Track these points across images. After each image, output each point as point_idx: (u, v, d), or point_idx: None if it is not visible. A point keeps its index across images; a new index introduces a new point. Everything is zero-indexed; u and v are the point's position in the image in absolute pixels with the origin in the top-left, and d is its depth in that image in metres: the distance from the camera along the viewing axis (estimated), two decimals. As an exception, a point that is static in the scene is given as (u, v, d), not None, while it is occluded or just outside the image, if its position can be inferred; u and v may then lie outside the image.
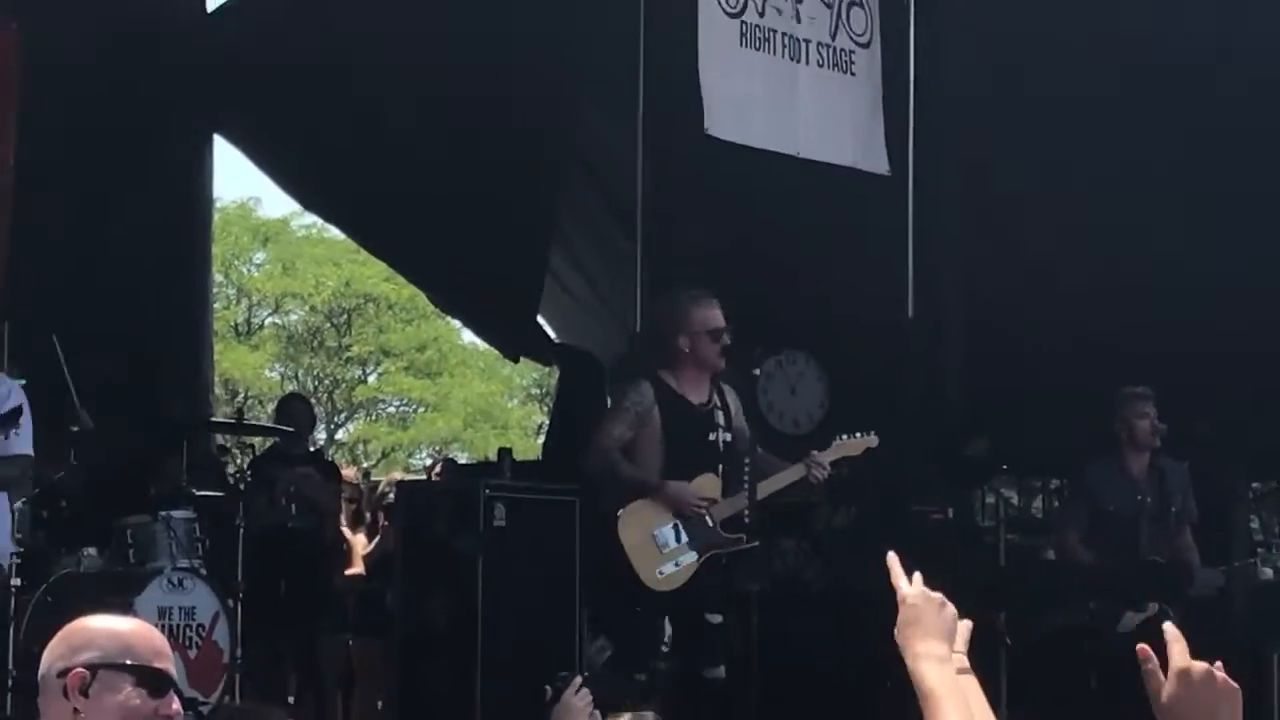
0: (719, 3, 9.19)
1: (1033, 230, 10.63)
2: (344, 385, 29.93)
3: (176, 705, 3.43)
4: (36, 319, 10.13)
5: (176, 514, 8.35)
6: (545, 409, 24.24)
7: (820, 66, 9.66)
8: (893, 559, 3.02)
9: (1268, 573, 9.54)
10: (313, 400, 17.09)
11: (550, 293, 12.01)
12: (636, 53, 9.84)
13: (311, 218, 23.84)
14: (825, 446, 8.11)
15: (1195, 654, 2.64)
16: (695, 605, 7.85)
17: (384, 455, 28.87)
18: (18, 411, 7.17)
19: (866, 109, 9.84)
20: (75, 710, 3.32)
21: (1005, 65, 10.42)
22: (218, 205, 16.81)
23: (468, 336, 25.31)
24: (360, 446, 29.45)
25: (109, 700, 3.34)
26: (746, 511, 7.85)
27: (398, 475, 15.60)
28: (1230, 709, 2.53)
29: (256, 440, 10.77)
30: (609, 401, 10.97)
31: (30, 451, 7.34)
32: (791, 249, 10.35)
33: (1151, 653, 2.52)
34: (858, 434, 8.12)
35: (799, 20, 9.56)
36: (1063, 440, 10.01)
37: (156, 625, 6.83)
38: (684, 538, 7.82)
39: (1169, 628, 2.60)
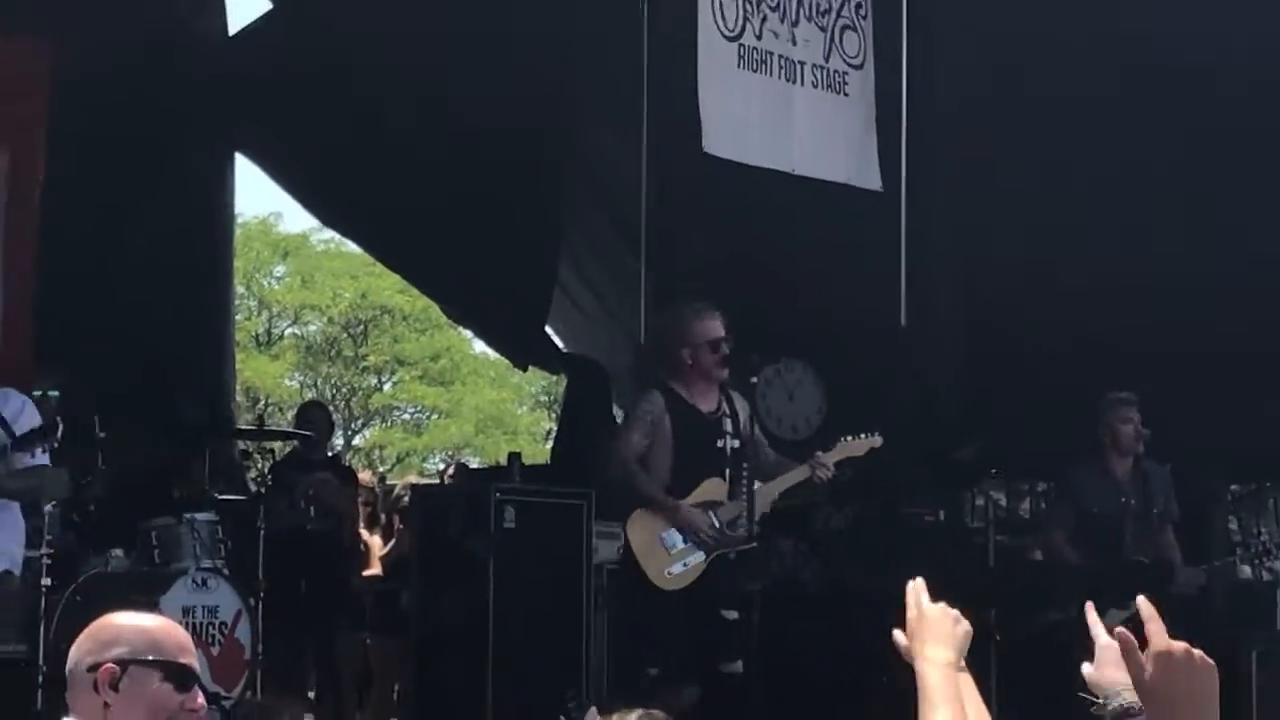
0: (718, 27, 9.20)
1: (1020, 240, 10.61)
2: (360, 393, 29.92)
3: (201, 700, 3.42)
4: (66, 329, 10.16)
5: (200, 517, 8.37)
6: (553, 415, 24.21)
7: (814, 87, 9.66)
8: (916, 587, 3.06)
9: (1246, 571, 9.54)
10: (331, 407, 17.07)
11: (558, 304, 12.02)
12: (641, 77, 9.86)
13: (330, 233, 23.86)
14: (829, 448, 8.12)
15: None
16: (709, 603, 7.85)
17: (399, 460, 28.86)
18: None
19: (860, 127, 9.85)
20: (105, 704, 3.31)
21: (1003, 65, 10.33)
22: (239, 220, 16.81)
23: (479, 346, 25.34)
24: (376, 452, 29.45)
25: (138, 695, 3.33)
26: (743, 514, 7.86)
27: (412, 479, 15.60)
28: (1208, 685, 2.53)
29: (277, 445, 10.77)
30: (615, 409, 11.01)
31: (48, 462, 7.32)
32: (789, 262, 10.35)
33: (1132, 637, 2.53)
34: (862, 435, 8.11)
35: (794, 43, 9.57)
36: (1049, 444, 10.00)
37: (181, 623, 6.84)
38: (691, 539, 7.84)
39: (1143, 604, 2.61)
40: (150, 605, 7.44)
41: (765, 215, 10.01)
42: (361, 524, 10.98)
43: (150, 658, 3.36)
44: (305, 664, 10.27)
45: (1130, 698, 2.82)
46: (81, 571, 8.11)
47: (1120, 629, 2.56)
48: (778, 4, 9.55)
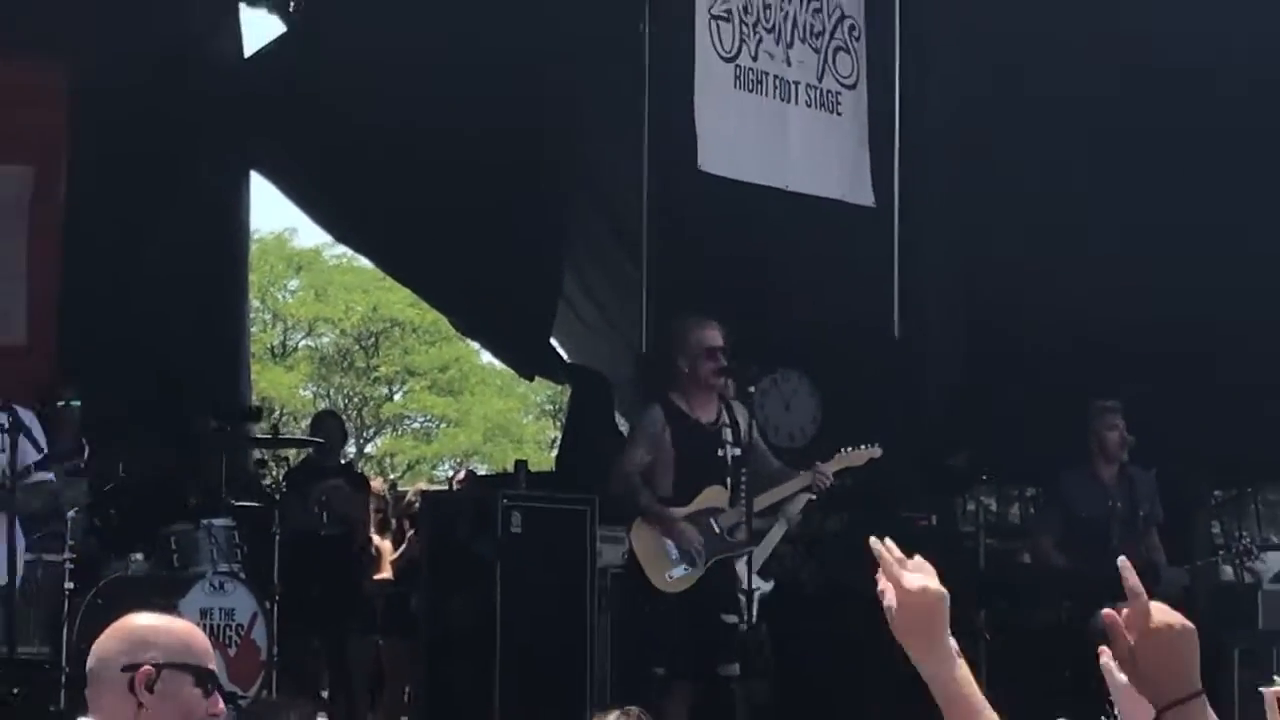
0: (715, 48, 9.20)
1: (1008, 253, 10.59)
2: (372, 403, 29.92)
3: (221, 705, 3.42)
4: (87, 341, 10.16)
5: (217, 522, 8.37)
6: (558, 424, 24.18)
7: (808, 106, 9.66)
8: (883, 548, 2.86)
9: (1228, 572, 9.54)
10: (343, 417, 17.04)
11: (563, 317, 12.02)
12: (642, 95, 9.87)
13: (342, 248, 23.85)
14: (829, 458, 8.11)
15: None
16: (709, 606, 7.84)
17: (409, 467, 28.84)
18: (70, 449, 7.15)
19: (852, 145, 9.85)
20: (140, 705, 3.30)
21: (994, 75, 10.27)
22: (255, 236, 16.84)
23: (486, 357, 25.33)
24: (387, 459, 29.43)
25: (171, 698, 3.32)
26: (743, 520, 7.86)
27: (422, 486, 15.57)
28: (1190, 647, 2.52)
29: (291, 453, 10.77)
30: (617, 418, 11.01)
31: (50, 476, 7.30)
32: (786, 274, 10.34)
33: (1117, 617, 2.52)
34: (862, 446, 8.10)
35: (789, 64, 9.57)
36: (1037, 451, 10.00)
37: (199, 625, 6.83)
38: (685, 552, 7.86)
39: (1123, 563, 2.61)
40: (169, 608, 7.43)
41: (762, 229, 10.01)
42: (373, 529, 10.98)
43: (183, 662, 3.36)
44: (319, 665, 10.26)
45: None
46: (103, 575, 8.11)
47: (1108, 611, 2.55)
48: (773, 26, 9.55)
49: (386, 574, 10.81)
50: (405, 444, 30.18)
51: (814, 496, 8.21)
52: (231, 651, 7.93)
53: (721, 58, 9.26)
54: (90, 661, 3.38)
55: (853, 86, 9.92)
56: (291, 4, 12.40)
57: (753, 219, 9.84)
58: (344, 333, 29.54)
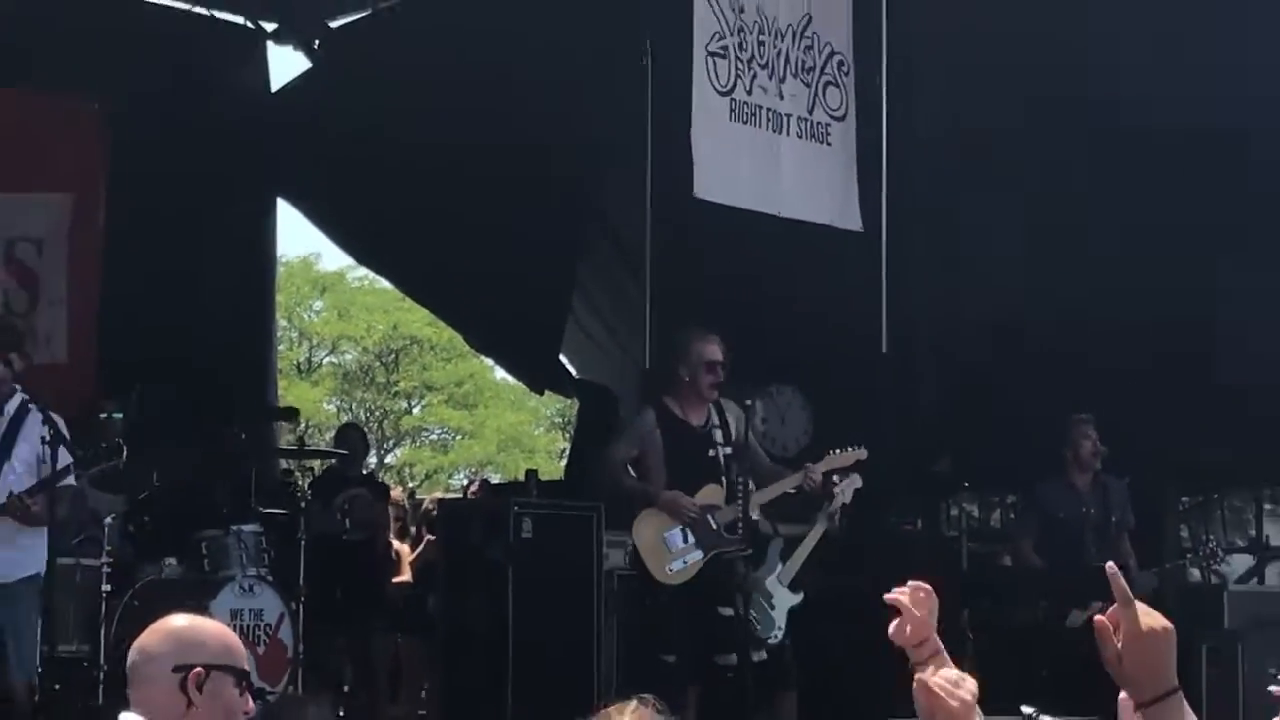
0: (711, 83, 9.19)
1: (989, 272, 10.58)
2: (392, 416, 29.91)
3: (252, 704, 3.43)
4: (125, 359, 10.17)
5: (246, 528, 8.36)
6: (567, 436, 24.20)
7: (800, 138, 9.64)
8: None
9: (1195, 574, 9.51)
10: (365, 429, 17.05)
11: (571, 335, 12.02)
12: (645, 129, 9.88)
13: (364, 270, 23.87)
14: (819, 459, 8.14)
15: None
16: (707, 599, 7.82)
17: (427, 477, 28.84)
18: (105, 453, 7.14)
19: (841, 174, 9.83)
20: (190, 704, 3.30)
21: (971, 116, 10.29)
22: (281, 260, 16.84)
23: (499, 373, 25.32)
24: (406, 469, 29.42)
25: (217, 697, 3.32)
26: (740, 520, 7.83)
27: (439, 494, 15.59)
28: (1169, 646, 2.52)
29: (316, 463, 10.77)
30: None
31: (73, 481, 7.29)
32: (780, 295, 10.34)
33: (1109, 625, 2.50)
34: (849, 448, 8.11)
35: (782, 98, 9.56)
36: (1017, 460, 9.98)
37: (229, 625, 6.83)
38: (690, 539, 7.82)
39: (1111, 569, 2.59)
40: (201, 609, 7.41)
41: (757, 252, 10.00)
42: (393, 534, 10.97)
43: (228, 664, 3.36)
44: (342, 662, 10.24)
45: None
46: (138, 578, 8.11)
47: (1099, 618, 2.54)
48: (766, 62, 9.54)
49: (405, 576, 10.80)
50: (423, 455, 30.17)
51: (846, 501, 8.21)
52: (260, 650, 7.91)
53: (718, 92, 9.24)
54: (134, 659, 3.37)
55: (841, 118, 9.90)
56: (315, 41, 12.42)
57: (748, 242, 9.83)
58: (366, 350, 29.56)
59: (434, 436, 30.68)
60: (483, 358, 23.45)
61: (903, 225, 10.29)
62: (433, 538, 10.64)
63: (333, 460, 10.68)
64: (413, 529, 11.39)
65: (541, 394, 16.70)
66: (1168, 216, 9.91)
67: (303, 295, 29.05)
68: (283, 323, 23.63)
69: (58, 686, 7.38)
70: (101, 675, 7.64)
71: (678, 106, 9.21)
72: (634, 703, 2.72)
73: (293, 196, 12.70)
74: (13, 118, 10.29)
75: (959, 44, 10.28)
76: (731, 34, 9.33)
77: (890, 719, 2.67)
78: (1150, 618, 2.51)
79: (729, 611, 7.81)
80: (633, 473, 8.03)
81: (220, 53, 12.02)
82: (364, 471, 11.32)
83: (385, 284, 21.34)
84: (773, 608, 8.17)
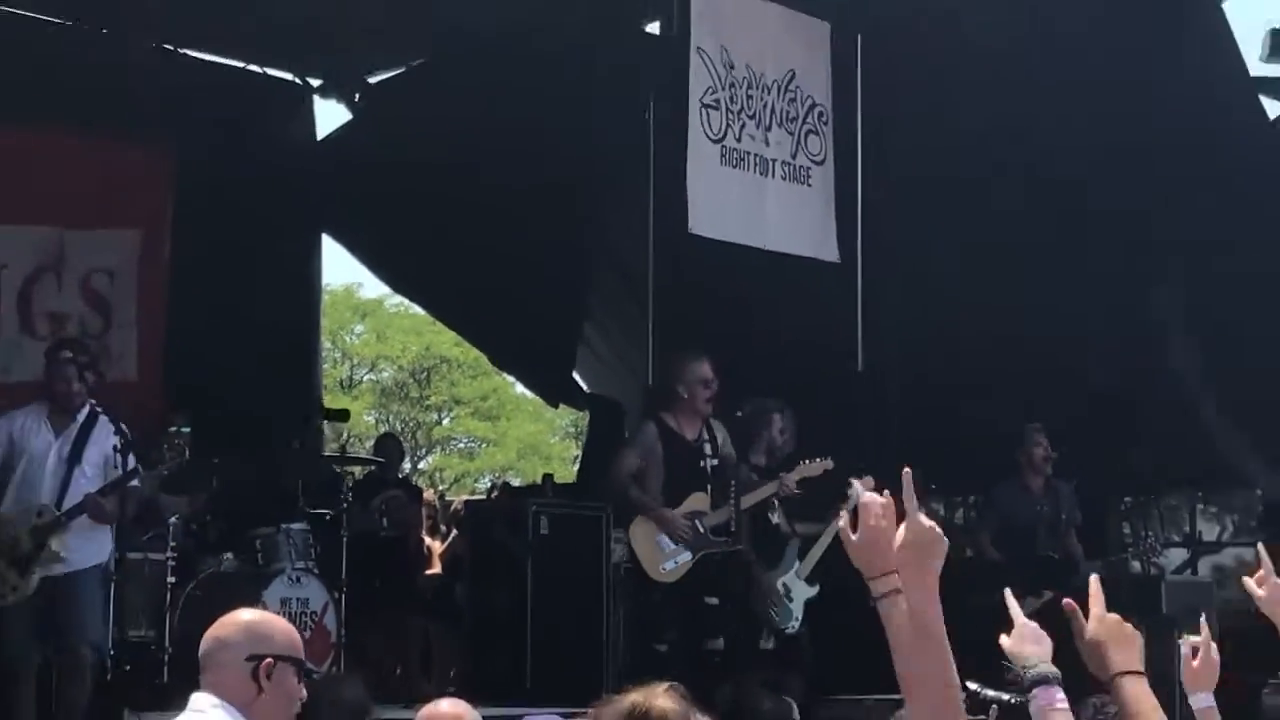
0: (704, 132, 9.22)
1: (954, 299, 10.58)
2: (424, 427, 29.87)
3: (304, 692, 3.46)
4: (189, 377, 10.17)
5: (294, 526, 8.35)
6: (579, 444, 24.13)
7: (784, 180, 9.66)
8: (910, 479, 2.65)
9: (1136, 566, 9.49)
10: (400, 438, 17.02)
11: (582, 355, 12.02)
12: (648, 171, 9.90)
13: (399, 298, 23.80)
14: (792, 469, 8.16)
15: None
16: (695, 592, 7.84)
17: (455, 480, 28.78)
18: (166, 454, 7.15)
19: (821, 212, 9.84)
20: (260, 690, 3.32)
21: (935, 157, 10.31)
22: (326, 288, 16.82)
23: (519, 388, 25.25)
24: (437, 474, 29.36)
25: (282, 685, 3.36)
26: (733, 521, 7.86)
27: (466, 496, 15.57)
28: (1136, 646, 2.67)
29: (357, 469, 10.76)
30: (627, 436, 11.00)
31: (138, 484, 7.29)
32: (767, 320, 10.33)
33: (1076, 606, 2.60)
34: (817, 459, 8.15)
35: (768, 144, 9.57)
36: (977, 464, 9.97)
37: (280, 613, 6.85)
38: (678, 540, 7.86)
39: (1094, 582, 2.69)
40: (255, 599, 7.44)
41: (747, 280, 10.00)
42: (425, 532, 10.95)
43: (292, 656, 3.40)
44: (380, 645, 10.22)
45: (1045, 668, 2.81)
46: (199, 571, 8.09)
47: (1067, 600, 2.64)
48: (754, 113, 9.56)
49: (436, 569, 10.78)
50: (452, 461, 30.13)
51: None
52: (306, 635, 7.87)
53: (710, 139, 9.26)
54: (209, 647, 3.38)
55: (821, 163, 9.92)
56: (355, 95, 12.44)
57: (738, 273, 9.84)
58: (401, 368, 29.53)
59: (461, 445, 30.64)
60: (504, 375, 23.41)
61: (876, 257, 10.30)
62: (460, 535, 10.63)
63: (372, 466, 10.66)
64: (442, 527, 11.37)
65: (556, 407, 16.67)
66: (1098, 249, 9.95)
67: (345, 320, 29.02)
68: (327, 344, 23.57)
69: (128, 667, 7.38)
70: (166, 657, 7.63)
71: (676, 152, 9.23)
72: (665, 685, 2.67)
73: (336, 232, 12.71)
74: (90, 162, 10.32)
75: (924, 98, 10.31)
76: (723, 88, 9.36)
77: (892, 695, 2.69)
78: (1118, 618, 2.72)
79: (714, 600, 7.85)
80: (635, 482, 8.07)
81: (272, 106, 12.04)
82: (399, 476, 11.31)
83: (418, 309, 21.30)
84: (791, 600, 8.22)
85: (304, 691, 3.41)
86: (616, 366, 12.37)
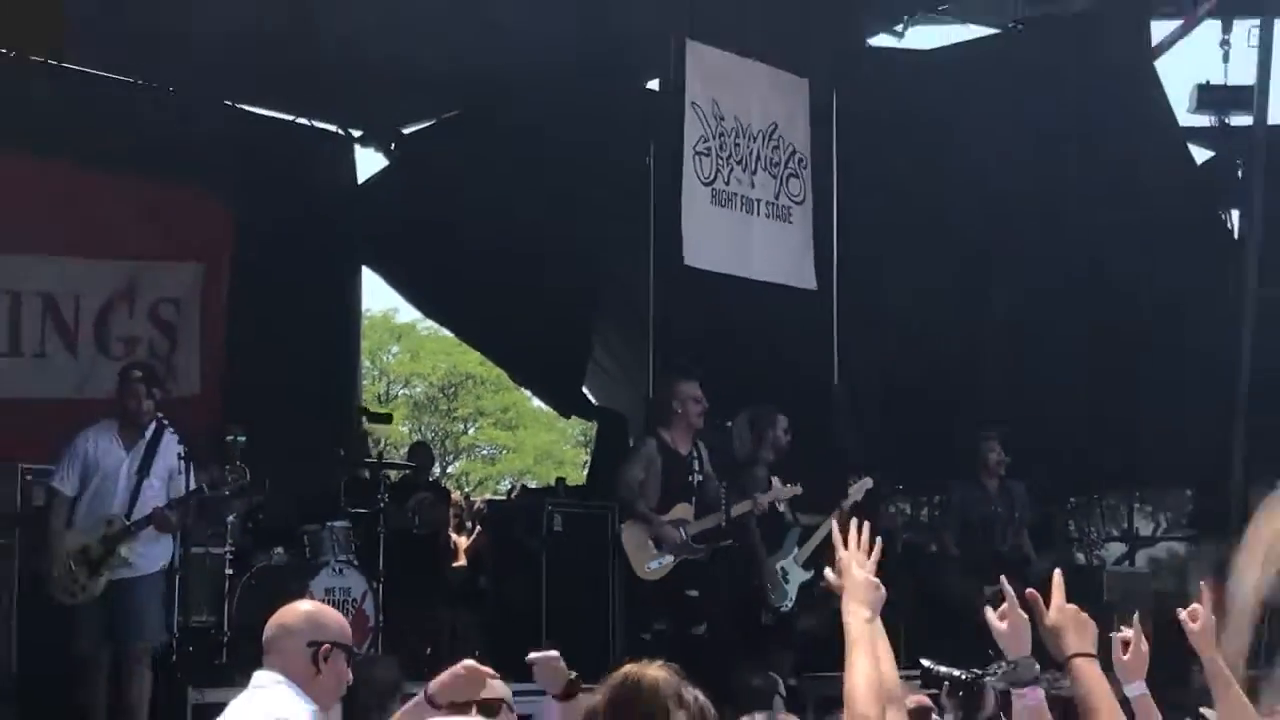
0: (697, 176, 9.25)
1: (919, 320, 10.58)
2: (452, 436, 29.85)
3: (350, 675, 3.47)
4: (245, 394, 10.16)
5: (337, 524, 8.34)
6: (588, 451, 24.14)
7: (767, 218, 9.67)
8: (850, 556, 2.98)
9: (1080, 559, 9.49)
10: (431, 446, 17.00)
11: (591, 372, 12.01)
12: (648, 209, 9.90)
13: (431, 322, 23.83)
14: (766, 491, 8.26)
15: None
16: (678, 587, 7.88)
17: (479, 483, 28.72)
18: (199, 492, 7.12)
19: (800, 245, 9.85)
20: (317, 672, 3.34)
21: (899, 196, 10.33)
22: (366, 314, 16.84)
23: (535, 402, 25.23)
24: (463, 477, 29.31)
25: (335, 668, 3.40)
26: (724, 523, 7.93)
27: (488, 497, 15.53)
28: (1091, 632, 2.72)
29: (392, 473, 10.75)
30: (631, 444, 10.99)
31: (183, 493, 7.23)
32: (754, 339, 10.32)
33: (1039, 596, 2.64)
34: (787, 485, 8.24)
35: (753, 186, 9.59)
36: (940, 468, 9.96)
37: (324, 601, 6.84)
38: (665, 546, 7.91)
39: (1057, 575, 2.73)
40: (304, 588, 7.42)
41: (735, 305, 10.00)
42: (452, 529, 10.93)
43: (344, 643, 3.45)
44: (412, 630, 10.19)
45: (1037, 670, 2.86)
46: (254, 564, 8.09)
47: (1030, 591, 2.70)
48: (741, 159, 9.58)
49: (461, 562, 10.76)
50: (476, 466, 30.10)
51: (858, 499, 8.38)
52: (348, 620, 7.87)
53: (702, 182, 9.28)
54: (274, 632, 3.42)
55: (801, 203, 9.93)
56: (392, 144, 12.47)
57: (728, 298, 9.84)
58: (431, 384, 29.52)
59: (484, 452, 30.61)
60: (522, 390, 23.40)
61: (849, 285, 10.31)
62: (483, 531, 10.60)
63: (405, 471, 10.66)
64: (468, 524, 11.35)
65: (568, 418, 16.63)
66: (1035, 279, 9.97)
67: (382, 341, 29.02)
68: (366, 363, 23.58)
69: (191, 649, 7.37)
70: (225, 640, 7.62)
71: (672, 194, 9.25)
72: (659, 662, 2.67)
73: (374, 265, 12.72)
74: (159, 204, 10.34)
75: (891, 147, 10.33)
76: (714, 137, 9.38)
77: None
78: (1077, 609, 2.76)
79: (695, 593, 7.90)
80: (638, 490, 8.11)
81: (318, 154, 12.08)
82: (430, 479, 11.30)
83: (446, 332, 21.35)
84: (787, 582, 8.25)
85: (350, 675, 3.42)
86: (621, 382, 12.37)
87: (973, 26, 10.92)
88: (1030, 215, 9.88)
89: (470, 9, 9.21)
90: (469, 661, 3.45)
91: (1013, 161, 9.85)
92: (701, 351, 9.42)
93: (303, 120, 11.94)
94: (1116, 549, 11.31)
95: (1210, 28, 10.27)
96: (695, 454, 8.15)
